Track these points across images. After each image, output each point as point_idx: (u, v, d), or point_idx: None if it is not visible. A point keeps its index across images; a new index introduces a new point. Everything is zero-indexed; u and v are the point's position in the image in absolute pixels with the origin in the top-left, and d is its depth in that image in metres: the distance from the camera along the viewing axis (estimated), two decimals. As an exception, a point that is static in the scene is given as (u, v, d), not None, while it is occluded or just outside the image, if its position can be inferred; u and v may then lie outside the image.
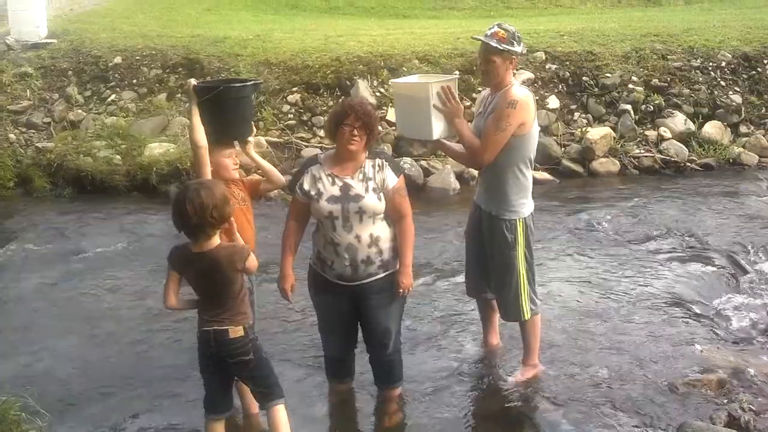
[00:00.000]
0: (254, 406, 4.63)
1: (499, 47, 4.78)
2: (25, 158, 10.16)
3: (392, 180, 4.49)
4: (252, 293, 4.66)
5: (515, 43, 4.83)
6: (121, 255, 7.88)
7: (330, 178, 4.48)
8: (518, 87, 4.93)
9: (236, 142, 4.72)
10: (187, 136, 10.14)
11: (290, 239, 4.64)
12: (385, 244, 4.50)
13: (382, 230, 4.49)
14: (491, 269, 5.17)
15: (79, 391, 5.30)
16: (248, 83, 4.84)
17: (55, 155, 10.10)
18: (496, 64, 4.83)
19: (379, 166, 4.51)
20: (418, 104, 4.92)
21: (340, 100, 9.47)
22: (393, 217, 4.54)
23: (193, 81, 4.69)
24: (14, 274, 7.42)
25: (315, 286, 4.69)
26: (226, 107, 4.57)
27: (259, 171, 4.96)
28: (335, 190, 4.44)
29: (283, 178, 4.91)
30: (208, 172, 4.45)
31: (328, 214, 4.42)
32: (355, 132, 4.40)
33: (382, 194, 4.46)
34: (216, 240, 4.00)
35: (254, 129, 4.87)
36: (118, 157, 10.00)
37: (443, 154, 9.81)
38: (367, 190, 4.44)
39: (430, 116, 4.86)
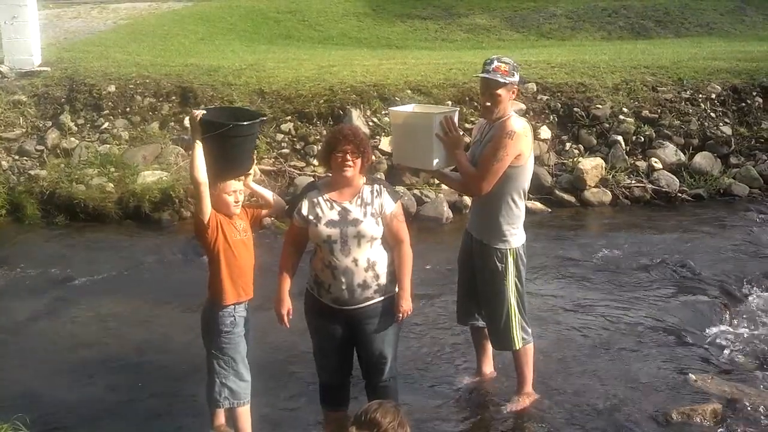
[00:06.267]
0: None
1: (504, 81, 4.83)
2: (17, 186, 10.13)
3: (390, 205, 4.53)
4: (247, 321, 4.65)
5: (515, 73, 4.90)
6: (113, 283, 7.84)
7: (328, 203, 4.51)
8: (516, 118, 4.97)
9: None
10: (180, 164, 10.22)
11: (287, 264, 4.66)
12: (382, 268, 4.52)
13: (379, 255, 4.51)
14: (481, 297, 5.18)
15: (70, 418, 5.28)
16: (257, 121, 4.64)
17: (47, 183, 10.07)
18: (502, 97, 4.87)
19: (377, 191, 4.55)
20: (419, 133, 4.94)
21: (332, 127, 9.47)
22: (391, 242, 4.57)
23: (198, 113, 4.43)
24: (5, 302, 7.38)
25: (311, 310, 4.69)
26: (232, 144, 4.44)
27: (256, 199, 4.94)
28: (334, 215, 4.47)
29: (283, 201, 4.91)
30: (208, 209, 4.44)
31: (327, 238, 4.44)
32: (348, 157, 4.44)
33: (380, 219, 4.49)
34: None
35: (254, 160, 4.79)
36: (111, 184, 9.98)
37: (436, 183, 9.91)
38: (365, 214, 4.46)
39: (431, 146, 4.88)
